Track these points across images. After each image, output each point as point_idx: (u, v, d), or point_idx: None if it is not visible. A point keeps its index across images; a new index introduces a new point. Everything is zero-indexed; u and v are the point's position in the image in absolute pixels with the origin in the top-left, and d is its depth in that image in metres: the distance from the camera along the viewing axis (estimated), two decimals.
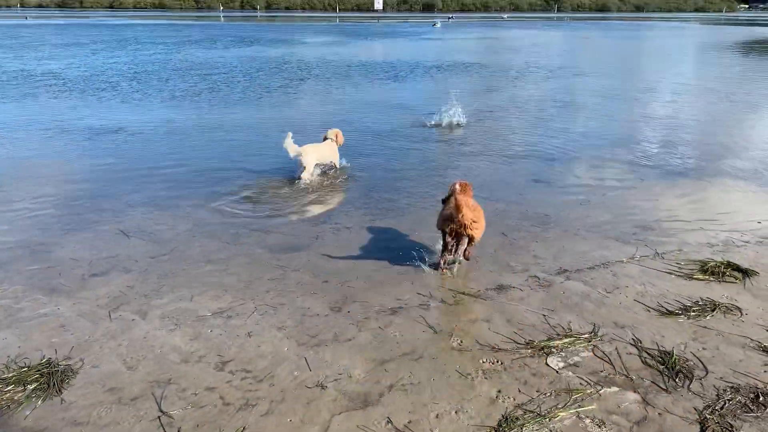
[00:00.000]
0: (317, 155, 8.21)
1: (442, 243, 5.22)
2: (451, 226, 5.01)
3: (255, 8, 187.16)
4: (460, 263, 5.30)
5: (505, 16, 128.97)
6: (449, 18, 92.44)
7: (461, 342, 4.19)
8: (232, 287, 5.05)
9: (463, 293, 4.93)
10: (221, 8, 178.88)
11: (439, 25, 73.95)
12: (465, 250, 5.14)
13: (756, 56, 31.85)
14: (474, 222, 5.00)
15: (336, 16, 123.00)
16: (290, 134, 7.87)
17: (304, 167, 8.01)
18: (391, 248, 5.86)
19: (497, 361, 3.95)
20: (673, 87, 18.33)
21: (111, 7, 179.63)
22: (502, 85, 18.76)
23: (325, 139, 8.49)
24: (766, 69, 25.19)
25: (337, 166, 8.59)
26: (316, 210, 7.01)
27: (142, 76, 19.93)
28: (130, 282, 5.16)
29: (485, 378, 3.78)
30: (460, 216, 4.91)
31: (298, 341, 4.21)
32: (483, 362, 3.95)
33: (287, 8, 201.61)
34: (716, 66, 26.62)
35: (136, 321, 4.52)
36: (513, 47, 37.15)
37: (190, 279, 5.22)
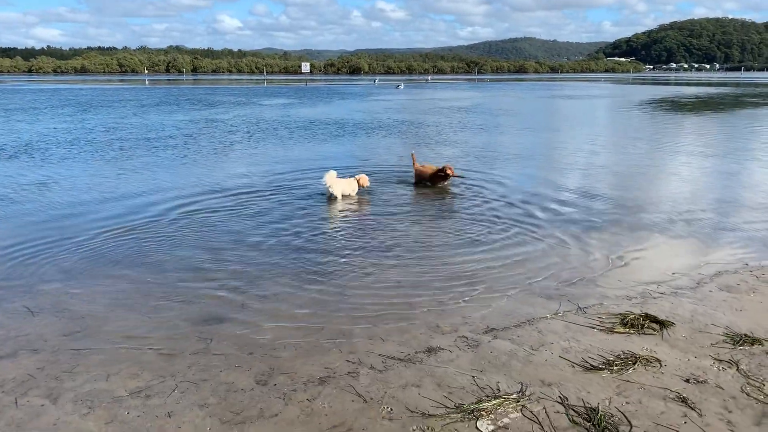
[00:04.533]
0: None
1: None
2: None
3: (180, 72, 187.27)
4: None
5: (429, 78, 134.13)
6: (375, 81, 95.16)
7: (391, 410, 4.11)
8: (151, 364, 4.80)
9: (393, 358, 4.88)
10: (146, 72, 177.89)
11: (402, 86, 76.89)
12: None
13: (663, 112, 34.10)
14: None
15: (264, 79, 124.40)
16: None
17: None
18: (320, 314, 5.77)
19: (428, 428, 3.89)
20: (593, 140, 19.31)
21: (29, 71, 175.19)
22: (435, 139, 19.26)
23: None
24: (673, 123, 26.97)
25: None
26: (241, 277, 6.84)
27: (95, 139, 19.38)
28: (40, 363, 4.84)
29: None
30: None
31: (221, 419, 4.02)
32: (414, 430, 3.88)
33: (213, 71, 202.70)
34: (633, 120, 28.32)
35: (46, 406, 4.21)
36: (461, 106, 38.36)
37: (106, 357, 4.94)
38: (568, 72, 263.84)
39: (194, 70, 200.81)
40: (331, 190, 10.82)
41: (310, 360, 4.85)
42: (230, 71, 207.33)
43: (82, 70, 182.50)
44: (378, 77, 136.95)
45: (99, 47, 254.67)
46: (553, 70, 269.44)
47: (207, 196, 11.12)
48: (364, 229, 8.97)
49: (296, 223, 9.20)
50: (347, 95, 57.07)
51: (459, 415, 4.03)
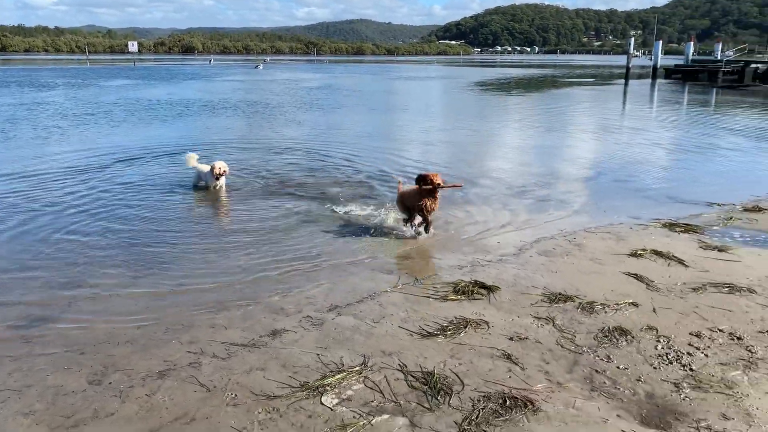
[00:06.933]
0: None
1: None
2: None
3: None
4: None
5: (268, 59, 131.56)
6: (210, 60, 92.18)
7: (236, 396, 4.09)
8: None
9: (237, 344, 4.83)
10: None
11: (261, 66, 76.55)
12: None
13: (493, 92, 36.47)
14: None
15: (86, 59, 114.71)
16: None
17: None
18: (156, 307, 5.55)
19: (273, 410, 3.93)
20: (434, 118, 20.18)
21: None
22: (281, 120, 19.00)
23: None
24: (503, 102, 28.95)
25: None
26: (65, 273, 6.35)
27: None
28: None
29: (261, 429, 3.73)
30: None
31: (50, 425, 3.76)
32: (258, 413, 3.89)
33: (26, 51, 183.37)
34: (468, 99, 29.95)
35: None
36: (307, 87, 37.88)
37: None
38: (403, 54, 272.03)
39: (3, 49, 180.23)
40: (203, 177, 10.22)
41: (147, 354, 4.66)
42: (47, 50, 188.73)
43: None
44: (213, 57, 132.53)
45: None
46: (390, 52, 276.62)
47: (21, 184, 10.15)
48: (202, 214, 8.71)
49: (129, 211, 8.71)
50: (195, 76, 54.79)
51: (304, 393, 4.10)
